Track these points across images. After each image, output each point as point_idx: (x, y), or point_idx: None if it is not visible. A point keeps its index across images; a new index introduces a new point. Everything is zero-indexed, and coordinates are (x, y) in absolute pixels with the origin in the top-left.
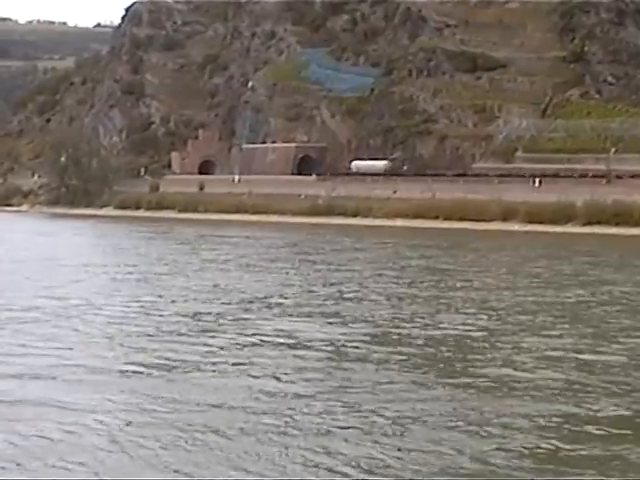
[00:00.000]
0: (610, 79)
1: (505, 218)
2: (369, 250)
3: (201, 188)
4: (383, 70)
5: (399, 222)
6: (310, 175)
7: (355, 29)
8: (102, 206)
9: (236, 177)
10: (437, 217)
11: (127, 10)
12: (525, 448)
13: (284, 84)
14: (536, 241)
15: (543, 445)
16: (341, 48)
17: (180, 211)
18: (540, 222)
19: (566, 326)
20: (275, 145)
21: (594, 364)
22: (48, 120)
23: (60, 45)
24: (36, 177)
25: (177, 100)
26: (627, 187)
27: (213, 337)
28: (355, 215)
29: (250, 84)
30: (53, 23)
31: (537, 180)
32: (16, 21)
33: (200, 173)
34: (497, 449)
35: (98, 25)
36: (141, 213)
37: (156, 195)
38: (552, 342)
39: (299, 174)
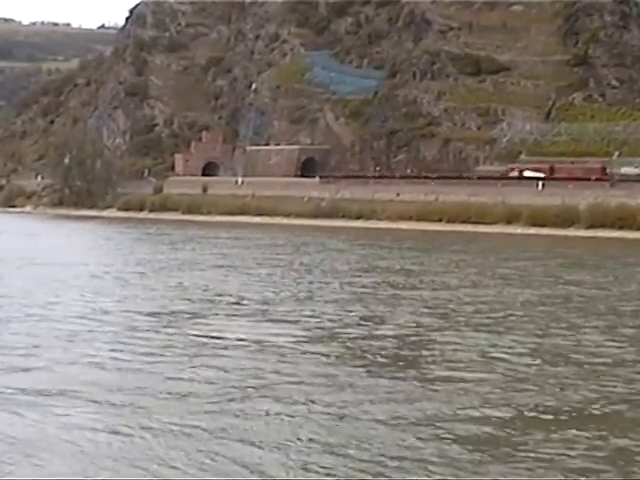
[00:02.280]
0: (614, 82)
1: (508, 221)
2: (354, 252)
3: (204, 190)
4: (387, 73)
5: (402, 225)
6: (313, 177)
7: (359, 32)
8: (105, 207)
9: (239, 179)
10: (440, 220)
11: (131, 12)
12: (457, 439)
13: (288, 86)
14: (529, 243)
15: (473, 437)
16: (345, 50)
17: (183, 213)
18: (543, 225)
19: (513, 325)
20: (279, 147)
21: (532, 361)
22: (52, 121)
23: (64, 46)
24: (39, 178)
25: (181, 102)
26: (631, 190)
27: (157, 334)
28: (358, 217)
29: (254, 86)
30: (57, 24)
31: (540, 183)
32: (20, 22)
33: (203, 175)
34: (428, 440)
35: (102, 26)
36: (144, 215)
37: (159, 197)
38: (496, 339)
39: (302, 176)
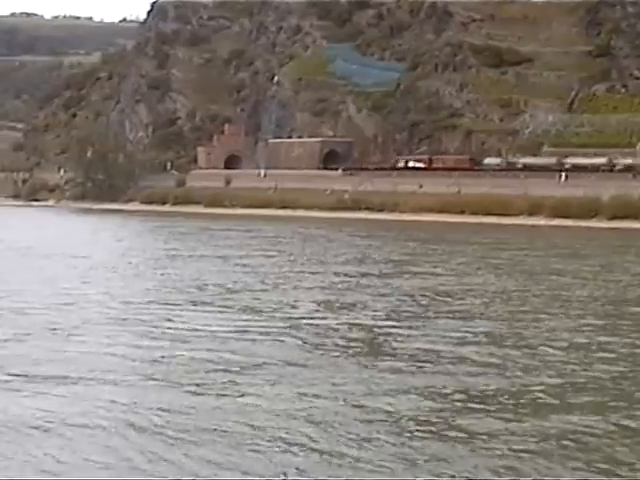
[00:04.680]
0: (636, 73)
1: (531, 213)
2: (358, 243)
3: (227, 183)
4: (409, 65)
5: (425, 217)
6: (336, 170)
7: (381, 24)
8: (128, 201)
9: (262, 172)
10: (463, 212)
11: (153, 5)
12: (412, 420)
13: (310, 79)
14: (538, 234)
15: (429, 418)
16: (367, 43)
17: (206, 206)
18: (566, 217)
19: (486, 313)
20: (301, 140)
21: (494, 347)
22: (74, 115)
23: (86, 40)
24: (62, 172)
25: (203, 95)
26: None
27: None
28: (381, 210)
29: (276, 79)
30: (79, 18)
31: (563, 175)
32: (42, 16)
33: (226, 168)
34: (381, 420)
35: (124, 20)
36: (167, 208)
37: (182, 190)
38: (465, 327)
39: (325, 169)
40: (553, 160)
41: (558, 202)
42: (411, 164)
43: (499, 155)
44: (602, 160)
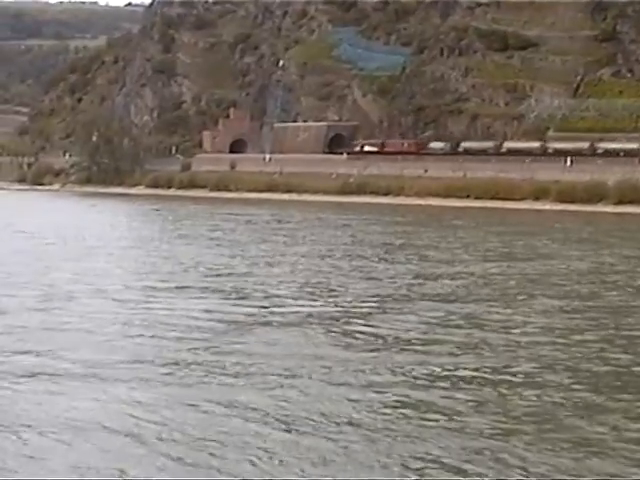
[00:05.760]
0: None
1: (537, 197)
2: (356, 227)
3: (232, 167)
4: (414, 49)
5: (431, 201)
6: (341, 154)
7: (386, 8)
8: (133, 185)
9: (267, 156)
10: (468, 196)
11: None
12: (382, 401)
13: (315, 63)
14: (535, 218)
15: (402, 399)
16: (372, 27)
17: (211, 190)
18: (572, 201)
19: (464, 294)
20: (306, 124)
21: (463, 328)
22: (80, 99)
23: (91, 24)
24: (67, 156)
25: (208, 79)
26: None
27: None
28: (386, 194)
29: (281, 63)
30: (84, 2)
31: (569, 159)
32: (47, 1)
33: (231, 152)
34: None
35: (129, 4)
36: (172, 192)
37: (187, 174)
38: (438, 309)
39: (330, 153)
40: (490, 144)
41: (564, 187)
42: (367, 148)
43: (504, 139)
44: (536, 144)
